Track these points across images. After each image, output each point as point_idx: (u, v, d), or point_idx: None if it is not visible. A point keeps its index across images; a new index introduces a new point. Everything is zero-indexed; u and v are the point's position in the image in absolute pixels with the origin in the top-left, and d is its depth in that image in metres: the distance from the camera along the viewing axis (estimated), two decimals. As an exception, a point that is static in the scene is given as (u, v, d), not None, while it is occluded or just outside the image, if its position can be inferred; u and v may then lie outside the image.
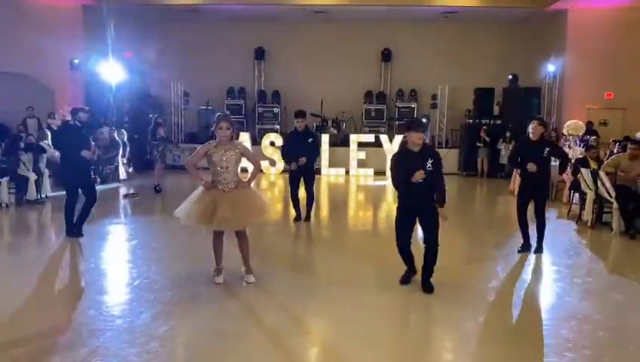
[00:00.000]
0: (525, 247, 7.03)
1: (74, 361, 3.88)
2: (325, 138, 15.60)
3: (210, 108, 16.68)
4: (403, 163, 5.23)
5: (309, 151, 8.43)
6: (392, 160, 5.54)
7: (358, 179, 15.14)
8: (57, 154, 7.27)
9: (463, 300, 5.28)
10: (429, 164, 5.12)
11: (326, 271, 6.25)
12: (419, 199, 5.20)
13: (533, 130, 6.77)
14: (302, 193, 8.73)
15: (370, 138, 15.87)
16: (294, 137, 8.56)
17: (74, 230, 7.44)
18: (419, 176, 5.02)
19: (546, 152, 6.70)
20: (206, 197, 5.34)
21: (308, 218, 8.74)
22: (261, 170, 5.67)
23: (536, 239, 7.00)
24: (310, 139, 8.49)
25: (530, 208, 6.92)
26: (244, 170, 5.47)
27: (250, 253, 5.70)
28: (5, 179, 9.62)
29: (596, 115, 16.05)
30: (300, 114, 8.50)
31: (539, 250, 6.97)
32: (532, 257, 6.87)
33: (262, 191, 5.81)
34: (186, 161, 5.46)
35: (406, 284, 5.54)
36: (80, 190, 7.51)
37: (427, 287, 5.34)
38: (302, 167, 8.34)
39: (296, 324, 4.65)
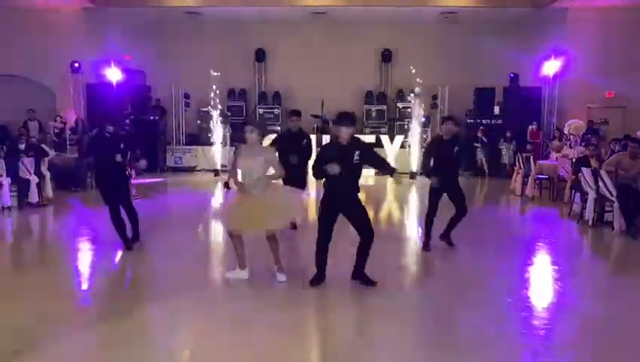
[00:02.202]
0: (426, 246, 6.99)
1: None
2: (326, 139, 15.59)
3: (210, 109, 16.67)
4: (325, 155, 5.32)
5: (303, 155, 7.67)
6: (317, 152, 5.62)
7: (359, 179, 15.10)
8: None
9: (462, 300, 5.28)
10: (357, 156, 5.24)
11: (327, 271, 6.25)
12: (341, 190, 5.29)
13: (447, 129, 6.82)
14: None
15: (370, 139, 15.85)
16: (287, 138, 7.92)
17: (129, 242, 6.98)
18: (333, 168, 5.09)
19: (455, 150, 6.72)
20: (240, 202, 5.42)
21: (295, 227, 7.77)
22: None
23: (446, 227, 7.04)
24: (305, 141, 7.84)
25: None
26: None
27: (251, 252, 5.71)
28: (7, 182, 9.62)
29: (597, 113, 16.04)
30: (295, 112, 8.02)
31: (445, 237, 7.08)
32: (532, 256, 6.87)
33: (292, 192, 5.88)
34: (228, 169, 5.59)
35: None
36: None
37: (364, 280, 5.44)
38: (294, 173, 6.81)
39: (295, 325, 4.65)
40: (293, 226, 7.65)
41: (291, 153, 7.34)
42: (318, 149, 5.87)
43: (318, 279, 5.47)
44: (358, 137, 5.50)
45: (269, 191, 5.45)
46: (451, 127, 6.83)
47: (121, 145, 6.93)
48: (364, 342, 4.33)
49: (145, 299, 5.26)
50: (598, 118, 15.83)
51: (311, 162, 6.23)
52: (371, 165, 5.76)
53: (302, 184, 7.23)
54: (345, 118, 5.36)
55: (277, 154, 6.02)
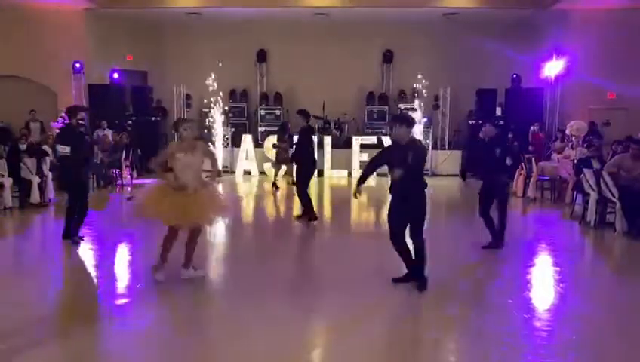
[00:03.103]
0: (494, 244, 7.01)
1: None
2: (327, 140, 15.61)
3: (212, 110, 16.68)
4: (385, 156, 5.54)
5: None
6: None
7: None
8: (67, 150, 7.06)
9: (465, 301, 5.27)
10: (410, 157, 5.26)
11: (329, 272, 6.25)
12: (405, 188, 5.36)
13: (486, 131, 6.90)
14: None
15: (372, 139, 15.86)
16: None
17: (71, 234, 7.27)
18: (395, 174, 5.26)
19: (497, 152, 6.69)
20: (172, 197, 5.39)
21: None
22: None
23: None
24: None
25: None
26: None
27: (252, 252, 5.71)
28: (9, 182, 9.64)
29: (599, 115, 16.01)
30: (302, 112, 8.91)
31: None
32: (535, 257, 6.86)
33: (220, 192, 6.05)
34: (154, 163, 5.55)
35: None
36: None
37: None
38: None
39: (296, 325, 4.65)
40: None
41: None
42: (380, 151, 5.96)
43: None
44: (416, 140, 5.64)
45: (203, 188, 5.46)
46: (489, 128, 6.93)
47: (87, 139, 7.16)
48: (369, 338, 4.33)
49: (144, 297, 5.25)
50: (600, 120, 15.80)
51: None
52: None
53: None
54: (398, 118, 5.50)
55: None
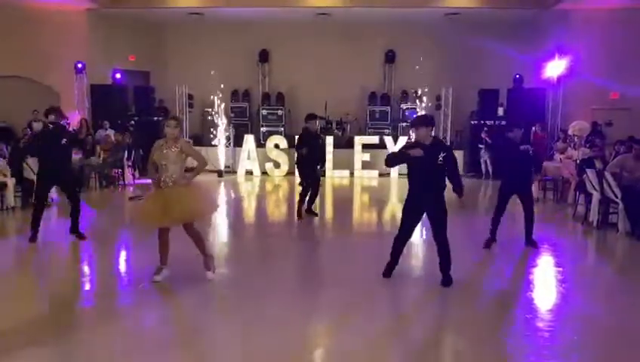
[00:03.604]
0: (488, 244, 7.19)
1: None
2: (329, 140, 15.61)
3: (214, 111, 16.70)
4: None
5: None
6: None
7: (363, 180, 15.13)
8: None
9: (467, 301, 5.27)
10: (441, 157, 5.45)
11: (330, 271, 6.25)
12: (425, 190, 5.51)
13: (516, 133, 7.05)
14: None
15: (374, 140, 15.86)
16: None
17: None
18: (416, 151, 5.42)
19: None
20: (154, 197, 5.46)
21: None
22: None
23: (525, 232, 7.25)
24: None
25: None
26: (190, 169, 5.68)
27: (253, 252, 5.71)
28: (12, 182, 9.66)
29: (601, 115, 15.98)
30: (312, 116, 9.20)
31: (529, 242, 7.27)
32: (537, 258, 6.85)
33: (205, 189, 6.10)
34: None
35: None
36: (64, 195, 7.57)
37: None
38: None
39: (298, 324, 4.65)
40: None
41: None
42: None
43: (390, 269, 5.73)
44: (440, 139, 5.70)
45: (184, 186, 5.44)
46: (518, 130, 7.08)
47: (63, 140, 7.26)
48: (371, 338, 4.32)
49: (147, 296, 5.25)
50: (602, 120, 15.77)
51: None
52: (448, 172, 5.57)
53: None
54: (420, 119, 5.67)
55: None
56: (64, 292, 5.60)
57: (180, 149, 5.45)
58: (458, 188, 5.58)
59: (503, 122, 15.90)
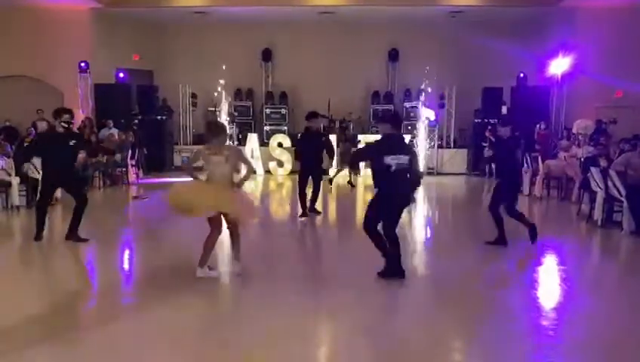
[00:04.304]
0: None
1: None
2: (332, 138, 15.58)
3: (217, 110, 16.73)
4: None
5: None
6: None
7: (366, 179, 15.09)
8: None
9: (471, 300, 5.26)
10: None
11: (334, 270, 6.25)
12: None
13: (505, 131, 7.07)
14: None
15: (377, 138, 15.78)
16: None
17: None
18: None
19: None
20: (201, 187, 5.52)
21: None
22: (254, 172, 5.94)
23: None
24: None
25: None
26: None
27: (258, 251, 5.73)
28: (16, 182, 9.69)
29: (605, 113, 15.92)
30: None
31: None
32: (541, 256, 6.83)
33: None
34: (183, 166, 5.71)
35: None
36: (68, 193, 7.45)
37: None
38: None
39: (302, 324, 4.65)
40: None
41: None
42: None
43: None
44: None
45: (232, 190, 5.55)
46: (499, 128, 7.19)
47: (72, 142, 7.20)
48: (374, 337, 4.32)
49: (151, 296, 5.26)
50: (607, 118, 15.71)
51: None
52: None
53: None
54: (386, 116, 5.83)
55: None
56: (69, 290, 5.62)
57: (229, 155, 5.52)
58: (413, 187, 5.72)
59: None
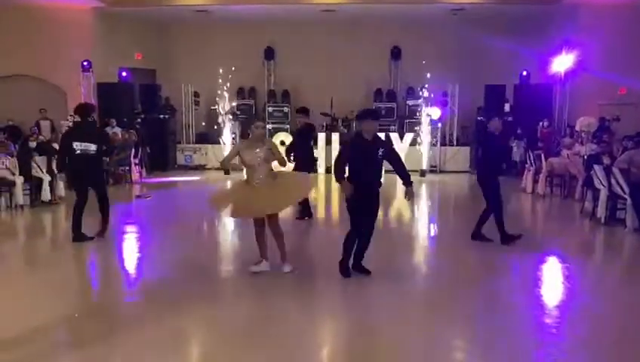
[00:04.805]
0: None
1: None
2: (335, 137, 15.60)
3: (219, 108, 16.73)
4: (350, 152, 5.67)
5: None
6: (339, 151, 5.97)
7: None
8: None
9: (472, 298, 5.27)
10: (380, 152, 5.57)
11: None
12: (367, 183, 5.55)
13: (496, 126, 7.10)
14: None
15: (380, 136, 15.79)
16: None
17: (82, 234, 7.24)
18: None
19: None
20: (242, 190, 5.72)
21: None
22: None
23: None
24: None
25: None
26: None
27: (253, 252, 5.79)
28: (20, 181, 9.72)
29: (609, 111, 15.88)
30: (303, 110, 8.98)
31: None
32: (544, 255, 6.83)
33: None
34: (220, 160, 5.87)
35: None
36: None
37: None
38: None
39: (311, 323, 4.66)
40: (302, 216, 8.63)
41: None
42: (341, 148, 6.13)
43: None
44: (380, 135, 5.70)
45: (273, 178, 5.69)
46: (497, 123, 7.14)
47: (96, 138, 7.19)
48: (375, 337, 4.33)
49: (156, 295, 5.28)
50: (610, 115, 15.67)
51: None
52: (393, 165, 5.65)
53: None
54: (368, 113, 5.64)
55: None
56: (71, 290, 5.64)
57: (269, 148, 5.69)
58: (406, 179, 5.59)
59: (510, 118, 15.85)
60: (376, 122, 5.61)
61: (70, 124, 14.73)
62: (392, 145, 5.89)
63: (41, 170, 10.31)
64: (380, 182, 5.66)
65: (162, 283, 5.61)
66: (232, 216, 5.94)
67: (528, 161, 12.72)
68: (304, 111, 8.92)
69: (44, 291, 5.45)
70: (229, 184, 5.95)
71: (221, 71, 16.30)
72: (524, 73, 16.30)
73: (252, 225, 5.83)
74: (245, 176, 5.80)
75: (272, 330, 4.41)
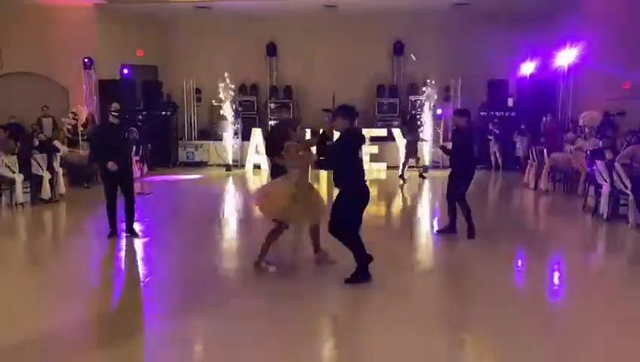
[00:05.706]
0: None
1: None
2: (336, 134, 15.50)
3: (222, 104, 16.70)
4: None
5: None
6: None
7: (372, 173, 15.06)
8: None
9: (476, 297, 5.23)
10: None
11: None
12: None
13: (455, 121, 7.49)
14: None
15: (382, 132, 15.77)
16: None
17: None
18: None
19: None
20: (293, 196, 5.64)
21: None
22: None
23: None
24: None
25: None
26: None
27: (258, 250, 5.75)
28: (20, 179, 9.73)
29: (613, 105, 15.75)
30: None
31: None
32: (546, 251, 6.78)
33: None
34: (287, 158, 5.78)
35: None
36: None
37: None
38: None
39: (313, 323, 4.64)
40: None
41: None
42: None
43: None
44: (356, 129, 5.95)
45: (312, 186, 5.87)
46: (455, 118, 7.45)
47: (125, 135, 7.27)
48: (378, 336, 4.31)
49: (159, 294, 5.27)
50: (614, 110, 15.55)
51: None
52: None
53: None
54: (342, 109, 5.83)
55: None
56: (72, 289, 5.63)
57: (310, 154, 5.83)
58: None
59: (513, 113, 15.77)
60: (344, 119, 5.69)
61: (72, 121, 14.82)
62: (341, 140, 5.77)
63: (41, 167, 10.31)
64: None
65: (162, 283, 5.60)
66: (291, 222, 5.88)
67: (531, 157, 12.64)
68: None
69: (44, 290, 5.45)
70: (268, 186, 5.87)
71: (223, 67, 16.25)
72: (528, 67, 16.18)
73: (253, 223, 5.82)
74: (292, 178, 5.71)
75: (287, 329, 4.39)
